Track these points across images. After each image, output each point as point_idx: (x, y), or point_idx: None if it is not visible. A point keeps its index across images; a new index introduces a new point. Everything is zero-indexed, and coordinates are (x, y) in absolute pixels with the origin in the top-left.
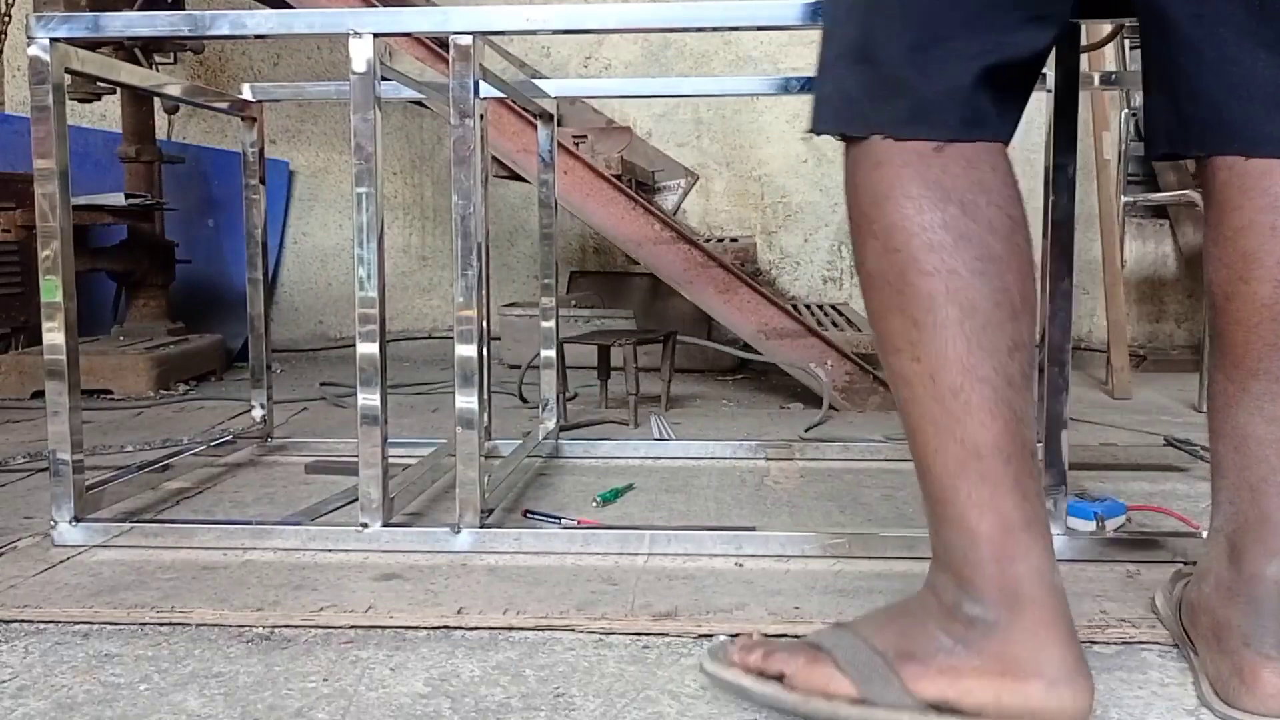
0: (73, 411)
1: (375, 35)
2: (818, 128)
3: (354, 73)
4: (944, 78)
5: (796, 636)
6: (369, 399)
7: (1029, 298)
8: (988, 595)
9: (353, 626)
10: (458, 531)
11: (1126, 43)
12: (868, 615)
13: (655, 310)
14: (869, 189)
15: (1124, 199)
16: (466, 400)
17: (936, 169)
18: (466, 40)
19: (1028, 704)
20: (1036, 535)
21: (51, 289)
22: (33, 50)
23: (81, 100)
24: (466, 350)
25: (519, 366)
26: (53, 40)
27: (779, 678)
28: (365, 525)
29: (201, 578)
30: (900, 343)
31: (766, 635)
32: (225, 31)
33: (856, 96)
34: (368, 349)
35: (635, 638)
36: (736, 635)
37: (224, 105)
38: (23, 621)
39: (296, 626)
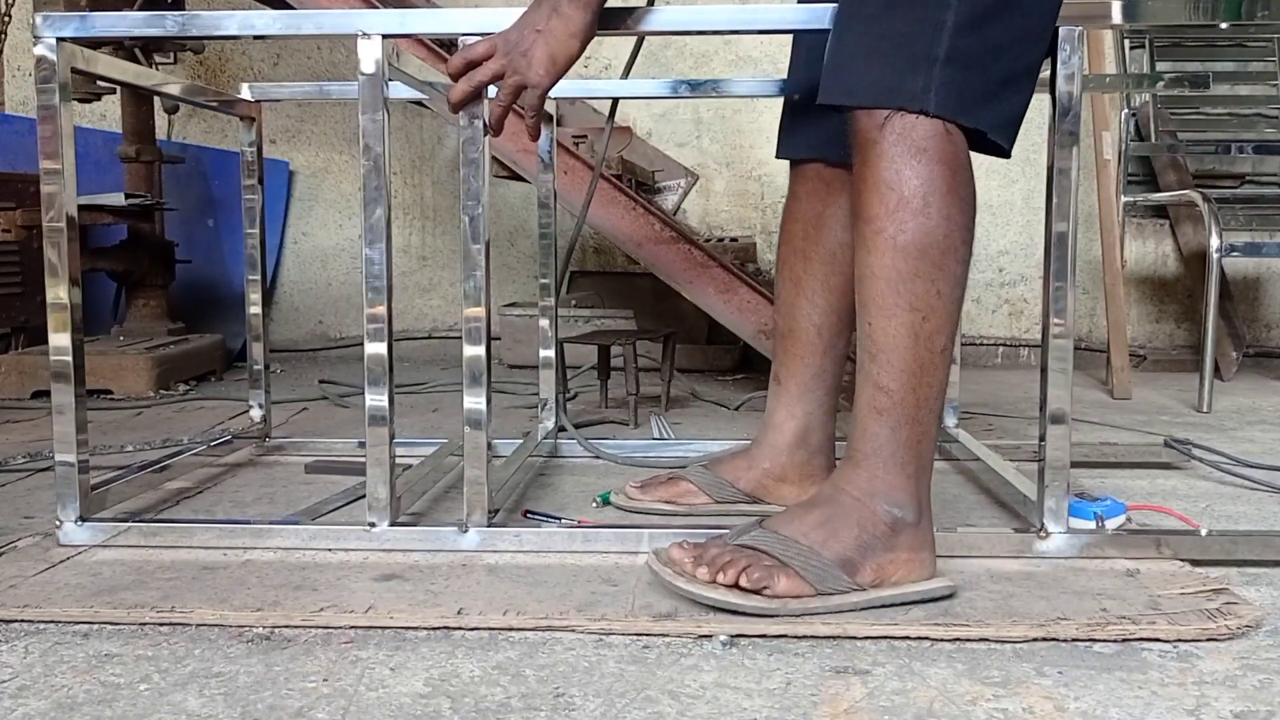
0: (78, 412)
1: (384, 36)
2: (935, 110)
3: (363, 73)
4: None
5: (790, 637)
6: (377, 399)
7: None
8: (908, 501)
9: (353, 627)
10: (465, 530)
11: (1126, 42)
12: (785, 518)
13: (655, 310)
14: (932, 176)
15: (1124, 199)
16: (475, 401)
17: (966, 177)
18: (474, 41)
19: (929, 568)
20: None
21: (56, 290)
22: (39, 49)
23: (81, 100)
24: (475, 350)
25: (519, 366)
26: (59, 40)
27: (758, 590)
28: (373, 525)
29: (202, 578)
30: (919, 304)
31: (694, 544)
32: (233, 31)
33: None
34: (375, 349)
35: (635, 638)
36: (670, 549)
37: (224, 105)
38: (23, 621)
39: (296, 627)
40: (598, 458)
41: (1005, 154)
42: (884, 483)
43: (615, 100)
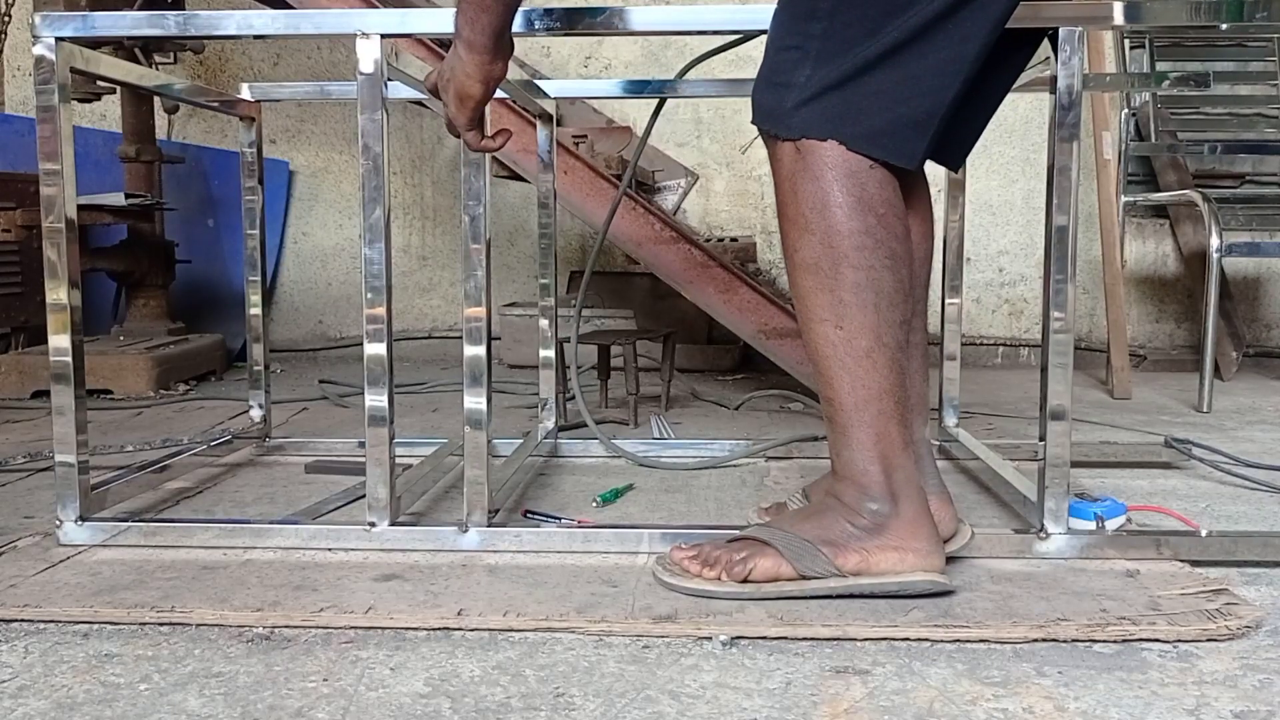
0: (78, 412)
1: (383, 36)
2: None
3: (361, 73)
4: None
5: (791, 638)
6: (376, 399)
7: (916, 285)
8: (881, 495)
9: (353, 627)
10: (465, 530)
11: (1127, 42)
12: (783, 518)
13: (655, 310)
14: (808, 195)
15: (1124, 199)
16: (475, 401)
17: (850, 185)
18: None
19: (915, 564)
20: (909, 453)
21: (57, 291)
22: (38, 49)
23: (81, 100)
24: (475, 350)
25: (519, 366)
26: (58, 40)
27: (743, 580)
28: (373, 524)
29: (202, 577)
30: (826, 314)
31: (693, 544)
32: (233, 31)
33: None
34: (375, 349)
35: (635, 639)
36: (673, 550)
37: (224, 105)
38: (23, 621)
39: (296, 627)
40: (618, 456)
41: (909, 166)
42: (856, 484)
43: (661, 100)
